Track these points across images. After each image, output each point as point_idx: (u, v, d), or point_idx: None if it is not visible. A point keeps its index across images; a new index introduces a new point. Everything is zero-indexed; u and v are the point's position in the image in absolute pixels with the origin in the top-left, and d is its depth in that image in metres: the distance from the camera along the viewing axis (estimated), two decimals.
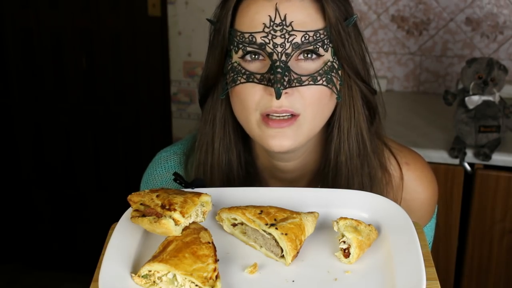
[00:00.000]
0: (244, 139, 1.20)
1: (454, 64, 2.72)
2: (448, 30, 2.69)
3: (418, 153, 1.29)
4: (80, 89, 3.14)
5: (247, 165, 1.21)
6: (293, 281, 0.92)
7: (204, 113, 1.19)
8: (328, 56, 1.09)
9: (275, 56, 1.05)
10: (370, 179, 1.18)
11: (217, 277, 0.87)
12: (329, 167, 1.17)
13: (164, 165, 1.29)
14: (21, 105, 3.23)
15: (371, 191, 1.17)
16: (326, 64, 1.08)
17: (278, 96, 1.03)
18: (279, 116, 1.07)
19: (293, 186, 1.23)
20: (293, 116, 1.08)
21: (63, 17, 3.05)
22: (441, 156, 2.17)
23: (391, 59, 2.78)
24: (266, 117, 1.08)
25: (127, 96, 3.11)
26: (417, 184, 1.24)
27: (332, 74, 1.09)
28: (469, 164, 2.16)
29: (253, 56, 1.08)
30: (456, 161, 2.16)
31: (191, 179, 1.22)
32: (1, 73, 3.20)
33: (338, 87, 1.11)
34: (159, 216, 0.92)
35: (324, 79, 1.08)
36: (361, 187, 1.16)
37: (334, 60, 1.09)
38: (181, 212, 0.92)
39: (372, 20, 2.75)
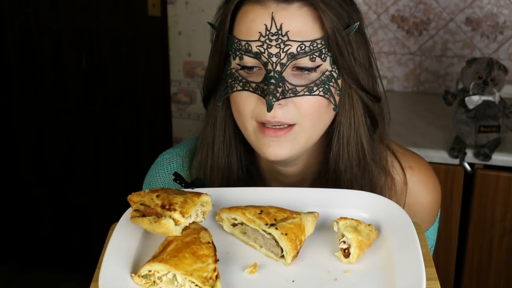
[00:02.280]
0: (246, 141, 1.20)
1: (454, 64, 2.72)
2: (448, 30, 2.69)
3: (422, 157, 1.28)
4: (80, 89, 3.14)
5: (248, 167, 1.21)
6: (293, 281, 0.92)
7: (206, 114, 1.19)
8: (326, 65, 1.06)
9: (269, 66, 1.04)
10: (371, 187, 1.16)
11: (217, 277, 0.87)
12: (328, 175, 1.16)
13: (166, 167, 1.29)
14: (21, 105, 3.23)
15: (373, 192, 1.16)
16: (324, 73, 1.06)
17: (269, 109, 1.02)
18: (274, 126, 1.06)
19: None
20: (289, 125, 1.07)
21: (63, 17, 3.05)
22: (441, 156, 2.17)
23: (391, 59, 2.78)
24: (262, 125, 1.07)
25: (127, 96, 3.11)
26: (421, 188, 1.23)
27: (330, 84, 1.07)
28: (469, 164, 2.16)
29: (249, 68, 1.07)
30: (456, 161, 2.16)
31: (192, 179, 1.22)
32: (1, 73, 3.20)
33: (336, 97, 1.09)
34: (159, 216, 0.92)
35: (321, 89, 1.06)
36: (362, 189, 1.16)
37: (333, 69, 1.07)
38: (181, 212, 0.92)
39: (372, 20, 2.75)
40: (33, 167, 3.32)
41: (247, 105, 1.07)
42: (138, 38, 3.02)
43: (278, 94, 1.03)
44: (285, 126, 1.06)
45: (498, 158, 2.14)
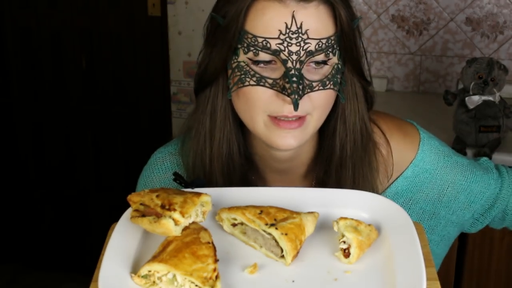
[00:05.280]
0: (243, 130, 1.21)
1: (454, 64, 2.72)
2: (448, 30, 2.69)
3: (384, 112, 1.31)
4: (80, 89, 3.14)
5: (247, 155, 1.23)
6: (293, 281, 0.92)
7: (201, 103, 1.19)
8: (335, 59, 1.10)
9: (289, 64, 1.06)
10: (369, 165, 1.21)
11: (217, 277, 0.87)
12: (330, 161, 1.19)
13: (161, 166, 1.29)
14: (21, 105, 3.23)
15: (371, 177, 1.20)
16: (333, 68, 1.10)
17: (296, 107, 1.04)
18: (288, 118, 1.09)
19: (288, 176, 1.25)
20: (301, 117, 1.10)
21: (63, 17, 3.05)
22: None
23: (391, 59, 2.78)
24: (275, 118, 1.09)
25: (127, 96, 3.11)
26: (403, 144, 1.26)
27: (338, 76, 1.11)
28: None
29: (266, 62, 1.08)
30: None
31: (190, 170, 1.22)
32: (1, 73, 3.20)
33: (342, 88, 1.13)
34: (159, 216, 0.92)
35: (331, 82, 1.09)
36: (362, 176, 1.19)
37: (339, 62, 1.11)
38: (181, 212, 0.92)
39: (372, 20, 2.74)
40: (33, 167, 3.32)
41: (262, 100, 1.08)
42: (138, 38, 3.02)
43: (300, 92, 1.05)
44: (298, 117, 1.09)
45: (498, 158, 2.13)
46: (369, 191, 1.17)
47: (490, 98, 2.15)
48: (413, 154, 1.26)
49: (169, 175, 1.27)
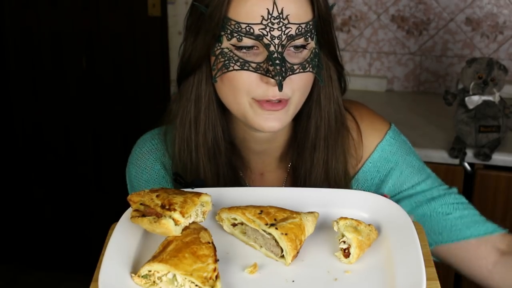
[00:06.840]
0: (226, 115, 1.24)
1: (454, 64, 2.72)
2: (448, 30, 2.69)
3: (360, 102, 1.35)
4: (80, 89, 3.14)
5: (228, 138, 1.26)
6: (293, 281, 0.92)
7: (185, 91, 1.21)
8: (313, 44, 1.14)
9: (272, 48, 1.10)
10: (343, 150, 1.24)
11: (217, 277, 0.87)
12: (304, 144, 1.23)
13: (151, 141, 1.33)
14: (21, 105, 3.23)
15: (343, 159, 1.24)
16: (312, 52, 1.14)
17: (280, 88, 1.08)
18: (271, 101, 1.12)
19: (266, 157, 1.28)
20: (283, 99, 1.13)
21: (63, 17, 3.05)
22: (441, 156, 2.17)
23: (391, 59, 2.78)
24: (258, 101, 1.13)
25: (127, 96, 3.11)
26: (371, 129, 1.30)
27: (316, 60, 1.15)
28: (469, 164, 2.16)
29: (248, 48, 1.11)
30: (456, 161, 2.16)
31: (176, 157, 1.24)
32: (1, 73, 3.20)
33: (319, 71, 1.17)
34: (159, 216, 0.92)
35: (311, 66, 1.14)
36: (335, 158, 1.23)
37: (316, 47, 1.15)
38: (181, 212, 0.92)
39: (372, 20, 2.75)
40: (33, 167, 3.32)
41: (246, 84, 1.12)
42: (138, 38, 3.02)
43: (283, 74, 1.09)
44: (280, 100, 1.13)
45: (498, 158, 2.14)
46: (341, 173, 1.23)
47: (490, 98, 2.15)
48: (379, 138, 1.30)
49: (159, 152, 1.30)
